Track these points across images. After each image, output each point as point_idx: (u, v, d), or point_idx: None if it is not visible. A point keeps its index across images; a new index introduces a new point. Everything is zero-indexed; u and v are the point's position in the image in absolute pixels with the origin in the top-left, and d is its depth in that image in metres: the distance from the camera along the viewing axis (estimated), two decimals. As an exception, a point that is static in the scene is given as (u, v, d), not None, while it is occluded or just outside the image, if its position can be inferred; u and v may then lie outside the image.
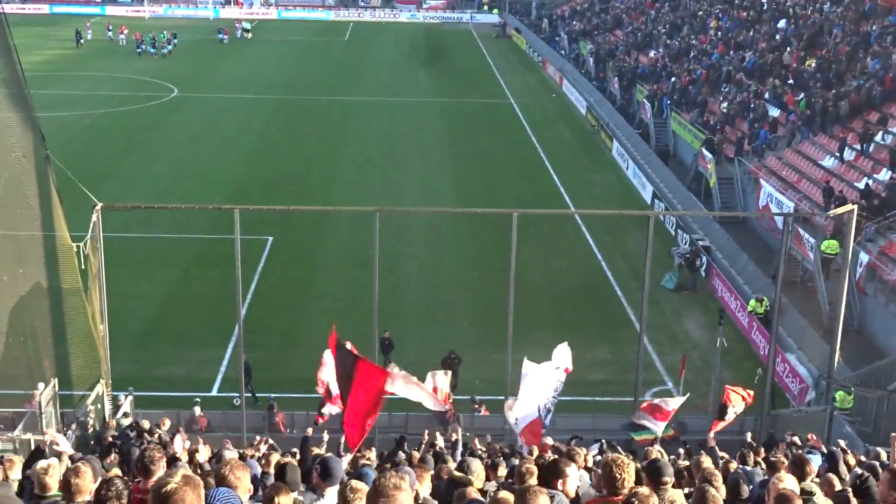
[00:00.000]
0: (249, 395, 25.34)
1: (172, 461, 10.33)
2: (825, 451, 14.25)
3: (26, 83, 18.77)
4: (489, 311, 29.83)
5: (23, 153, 18.79)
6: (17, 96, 18.82)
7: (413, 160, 50.97)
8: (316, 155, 51.12)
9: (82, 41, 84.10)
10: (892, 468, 7.31)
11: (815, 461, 12.20)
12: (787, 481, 8.00)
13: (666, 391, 25.75)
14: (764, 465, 12.13)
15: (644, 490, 5.94)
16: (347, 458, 14.66)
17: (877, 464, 12.26)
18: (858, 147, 36.82)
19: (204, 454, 15.11)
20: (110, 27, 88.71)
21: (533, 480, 8.30)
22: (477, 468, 9.24)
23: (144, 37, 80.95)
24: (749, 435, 18.90)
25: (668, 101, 52.72)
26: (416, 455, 15.25)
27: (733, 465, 11.23)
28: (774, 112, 44.29)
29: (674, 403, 18.41)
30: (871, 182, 33.77)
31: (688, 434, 22.00)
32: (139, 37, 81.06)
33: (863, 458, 14.22)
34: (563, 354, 18.52)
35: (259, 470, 9.89)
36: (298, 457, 14.66)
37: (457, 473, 9.37)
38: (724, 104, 48.06)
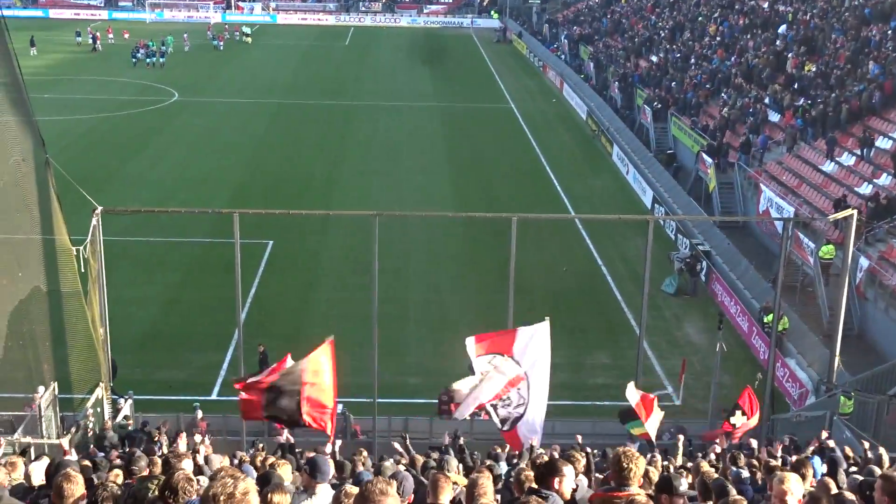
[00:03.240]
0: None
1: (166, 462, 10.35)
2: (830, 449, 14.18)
3: (25, 87, 18.80)
4: (489, 315, 29.78)
5: (22, 157, 18.80)
6: (17, 100, 18.84)
7: (414, 165, 50.98)
8: (317, 159, 51.15)
9: (99, 46, 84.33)
10: (886, 474, 7.29)
11: (816, 465, 12.15)
12: (791, 481, 7.87)
13: (665, 395, 25.73)
14: (762, 471, 12.11)
15: (641, 498, 5.90)
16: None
17: (876, 469, 12.26)
18: (859, 152, 36.83)
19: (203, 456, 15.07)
20: (111, 32, 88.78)
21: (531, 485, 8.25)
22: (454, 465, 9.27)
23: (142, 46, 79.60)
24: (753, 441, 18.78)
25: (662, 104, 52.77)
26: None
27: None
28: (775, 117, 44.32)
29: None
30: (872, 187, 33.83)
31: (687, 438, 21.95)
32: (143, 43, 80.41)
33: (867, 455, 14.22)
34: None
35: (255, 474, 9.89)
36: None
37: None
38: (725, 109, 48.08)
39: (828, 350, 24.63)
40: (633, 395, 17.72)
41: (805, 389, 25.76)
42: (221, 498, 3.89)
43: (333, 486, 8.44)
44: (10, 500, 4.64)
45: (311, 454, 9.01)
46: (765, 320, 28.39)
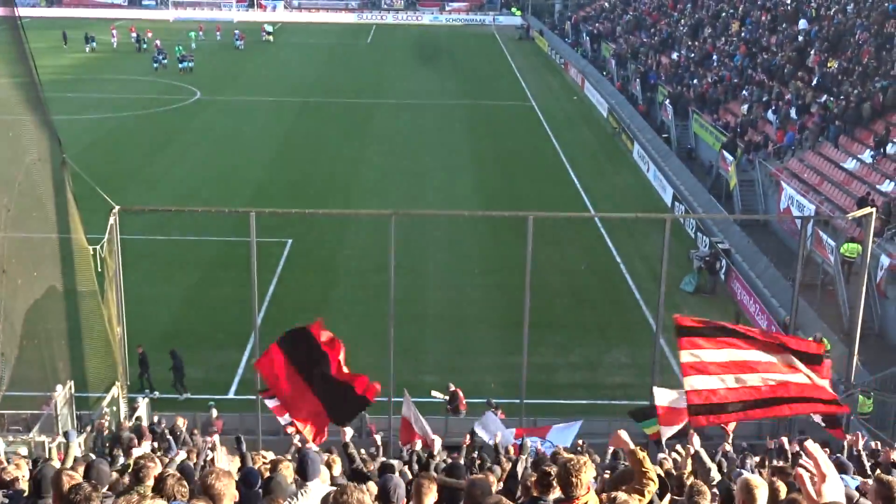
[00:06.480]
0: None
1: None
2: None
3: (41, 86, 18.92)
4: (507, 312, 29.77)
5: (39, 157, 18.95)
6: (34, 100, 18.98)
7: (435, 163, 50.98)
8: (338, 158, 51.19)
9: (143, 45, 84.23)
10: (879, 477, 7.21)
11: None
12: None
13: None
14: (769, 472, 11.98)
15: (622, 496, 5.87)
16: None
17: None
18: (881, 149, 36.46)
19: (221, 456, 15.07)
20: (134, 31, 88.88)
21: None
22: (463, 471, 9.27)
23: (158, 49, 77.78)
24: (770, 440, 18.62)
25: (683, 101, 52.53)
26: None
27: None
28: (796, 114, 43.99)
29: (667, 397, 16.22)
30: (894, 184, 33.50)
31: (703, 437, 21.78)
32: (158, 46, 79.25)
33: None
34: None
35: (259, 477, 9.88)
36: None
37: (444, 479, 9.30)
38: (746, 106, 47.80)
39: (847, 349, 24.45)
40: (665, 396, 15.90)
41: (824, 389, 25.50)
42: None
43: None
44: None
45: (303, 452, 8.92)
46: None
